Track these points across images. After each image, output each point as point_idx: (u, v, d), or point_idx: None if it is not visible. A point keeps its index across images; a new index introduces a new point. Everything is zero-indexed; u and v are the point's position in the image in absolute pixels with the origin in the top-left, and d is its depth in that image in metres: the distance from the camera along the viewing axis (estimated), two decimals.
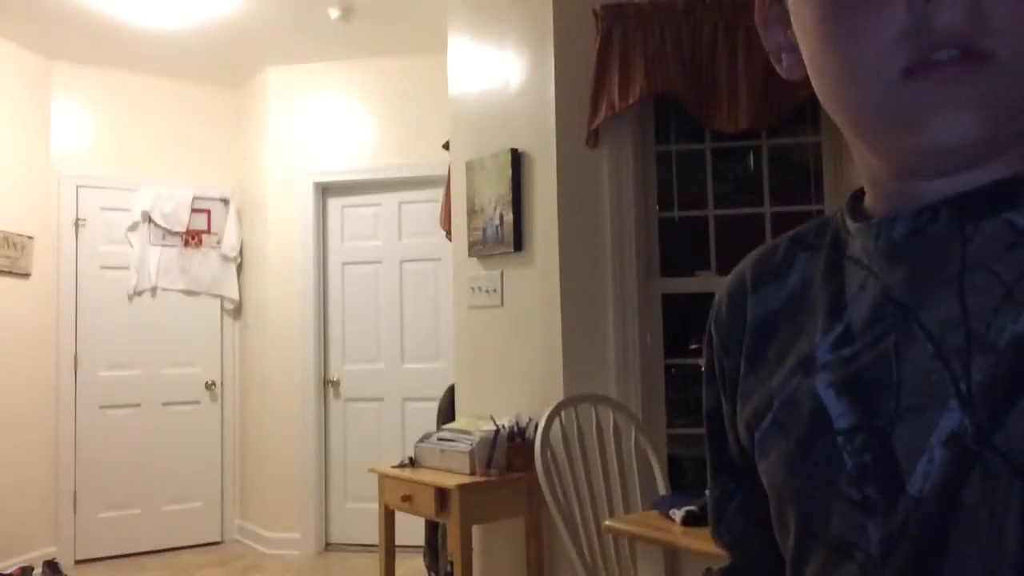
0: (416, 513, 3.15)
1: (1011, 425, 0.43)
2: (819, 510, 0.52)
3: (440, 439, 3.18)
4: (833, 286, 0.55)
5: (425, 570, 3.76)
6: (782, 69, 0.57)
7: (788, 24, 0.54)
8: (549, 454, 2.55)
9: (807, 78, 0.54)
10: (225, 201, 5.27)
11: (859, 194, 0.58)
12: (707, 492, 0.72)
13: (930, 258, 0.50)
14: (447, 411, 3.67)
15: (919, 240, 0.50)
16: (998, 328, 0.46)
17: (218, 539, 5.18)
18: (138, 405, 4.99)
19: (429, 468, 3.13)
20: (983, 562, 0.44)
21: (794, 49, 0.54)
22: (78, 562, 4.71)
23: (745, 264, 0.64)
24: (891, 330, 0.50)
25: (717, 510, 0.70)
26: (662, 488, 2.64)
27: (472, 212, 3.45)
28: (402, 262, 4.92)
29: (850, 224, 0.56)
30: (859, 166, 0.55)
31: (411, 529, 3.80)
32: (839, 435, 0.51)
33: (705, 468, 0.71)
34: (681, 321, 3.28)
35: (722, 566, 0.74)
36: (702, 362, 0.68)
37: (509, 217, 3.23)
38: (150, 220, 5.03)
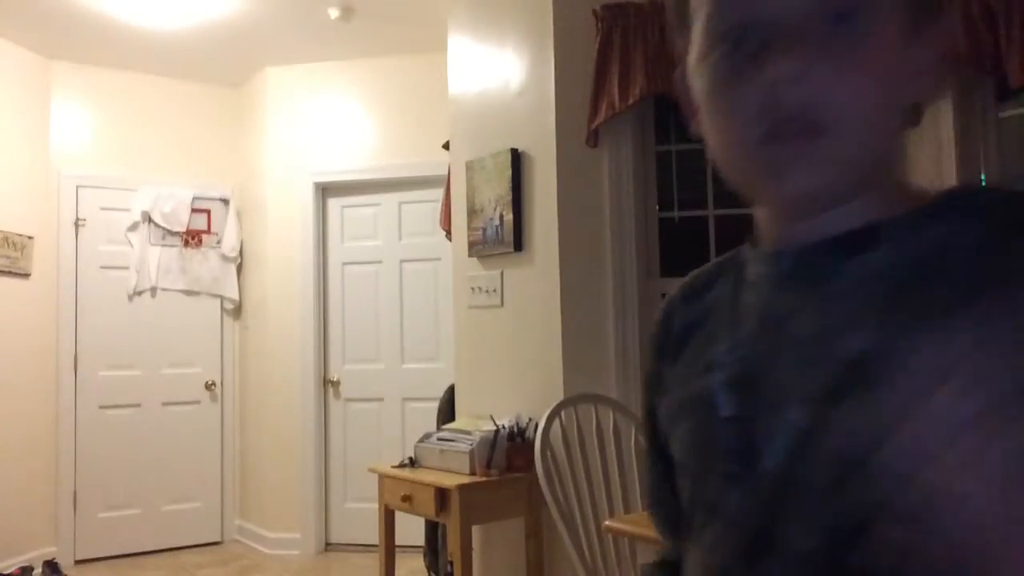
0: (416, 513, 3.15)
1: (833, 422, 0.56)
2: (702, 481, 0.66)
3: (440, 439, 3.18)
4: (734, 303, 0.69)
5: (425, 570, 3.76)
6: (693, 127, 0.69)
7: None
8: (549, 454, 2.55)
9: None
10: (225, 201, 5.27)
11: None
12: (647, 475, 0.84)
13: (804, 287, 0.63)
14: (447, 411, 3.67)
15: (798, 272, 0.63)
16: (839, 346, 0.57)
17: (218, 539, 5.18)
18: (138, 405, 4.99)
19: (429, 468, 3.13)
20: (802, 523, 0.57)
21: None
22: (78, 562, 4.71)
23: (681, 284, 0.78)
24: (767, 340, 0.63)
25: (652, 491, 0.83)
26: None
27: (472, 212, 3.45)
28: (402, 262, 4.92)
29: (749, 252, 0.70)
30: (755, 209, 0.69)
31: (411, 529, 3.80)
32: (721, 422, 0.64)
33: None
34: None
35: (654, 560, 0.86)
36: None
37: (509, 217, 3.24)
38: (150, 220, 5.03)
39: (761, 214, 0.67)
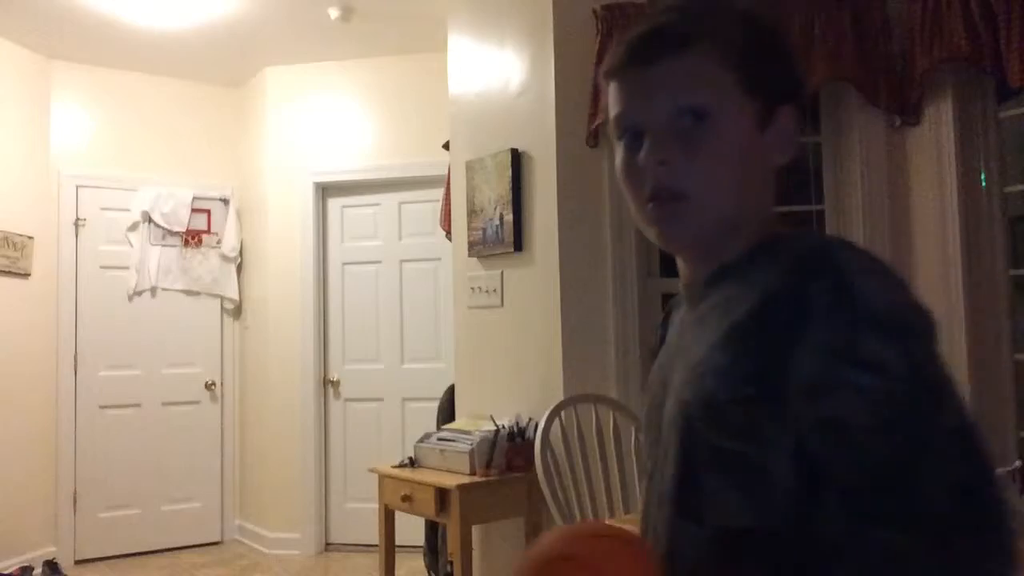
0: (416, 513, 3.15)
1: (685, 405, 0.84)
2: (647, 447, 0.96)
3: (440, 439, 3.18)
4: (673, 322, 1.01)
5: (425, 570, 3.76)
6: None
7: None
8: (549, 454, 2.55)
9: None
10: (225, 201, 5.28)
11: None
12: None
13: (691, 311, 0.91)
14: (447, 411, 3.67)
15: (690, 301, 0.93)
16: (692, 355, 0.85)
17: (218, 539, 5.18)
18: (138, 405, 4.99)
19: (429, 468, 3.13)
20: (668, 475, 0.87)
21: None
22: (78, 562, 4.71)
23: (670, 304, 1.08)
24: (675, 350, 0.93)
25: None
26: None
27: (472, 212, 3.45)
28: (402, 262, 4.91)
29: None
30: None
31: (411, 529, 3.80)
32: (653, 408, 0.94)
33: None
34: None
35: None
36: None
37: (509, 217, 3.23)
38: (150, 220, 5.03)
39: (678, 260, 0.95)
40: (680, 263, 0.93)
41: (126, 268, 4.96)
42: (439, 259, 4.65)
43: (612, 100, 0.90)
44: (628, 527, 2.04)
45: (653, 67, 0.85)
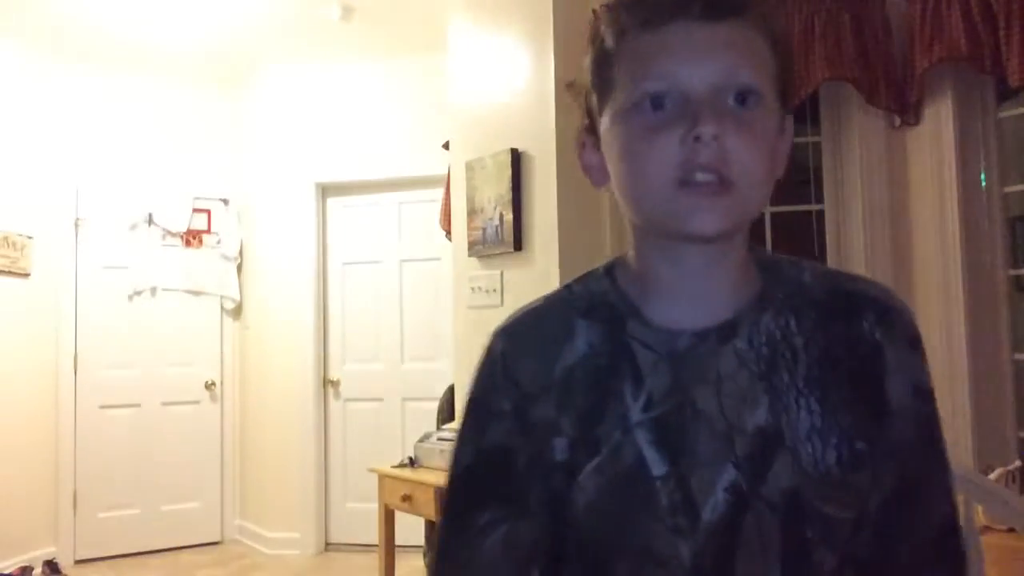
0: (416, 513, 3.14)
1: (769, 481, 0.72)
2: (636, 530, 0.75)
3: (440, 439, 3.18)
4: (628, 359, 0.78)
5: (425, 570, 3.76)
6: (592, 180, 0.85)
7: (598, 147, 0.81)
8: None
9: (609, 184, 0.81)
10: (225, 201, 5.27)
11: (621, 261, 0.86)
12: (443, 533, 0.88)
13: (699, 365, 0.75)
14: (447, 411, 3.67)
15: (693, 352, 0.76)
16: (744, 419, 0.74)
17: (218, 539, 5.17)
18: (138, 405, 4.99)
19: (429, 468, 3.13)
20: (756, 556, 0.72)
21: (602, 167, 0.82)
22: (78, 562, 4.71)
23: (514, 323, 0.89)
24: (682, 405, 0.75)
25: (470, 545, 0.85)
26: None
27: (472, 212, 3.45)
28: (402, 262, 4.91)
29: (637, 328, 0.79)
30: (636, 249, 0.82)
31: (411, 529, 3.79)
32: (657, 479, 0.74)
33: None
34: None
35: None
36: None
37: (509, 217, 3.23)
38: (150, 220, 5.03)
39: (640, 289, 0.80)
40: (653, 296, 0.79)
41: (126, 268, 4.96)
42: (439, 259, 4.64)
43: (642, 57, 0.73)
44: None
45: (720, 25, 0.70)
